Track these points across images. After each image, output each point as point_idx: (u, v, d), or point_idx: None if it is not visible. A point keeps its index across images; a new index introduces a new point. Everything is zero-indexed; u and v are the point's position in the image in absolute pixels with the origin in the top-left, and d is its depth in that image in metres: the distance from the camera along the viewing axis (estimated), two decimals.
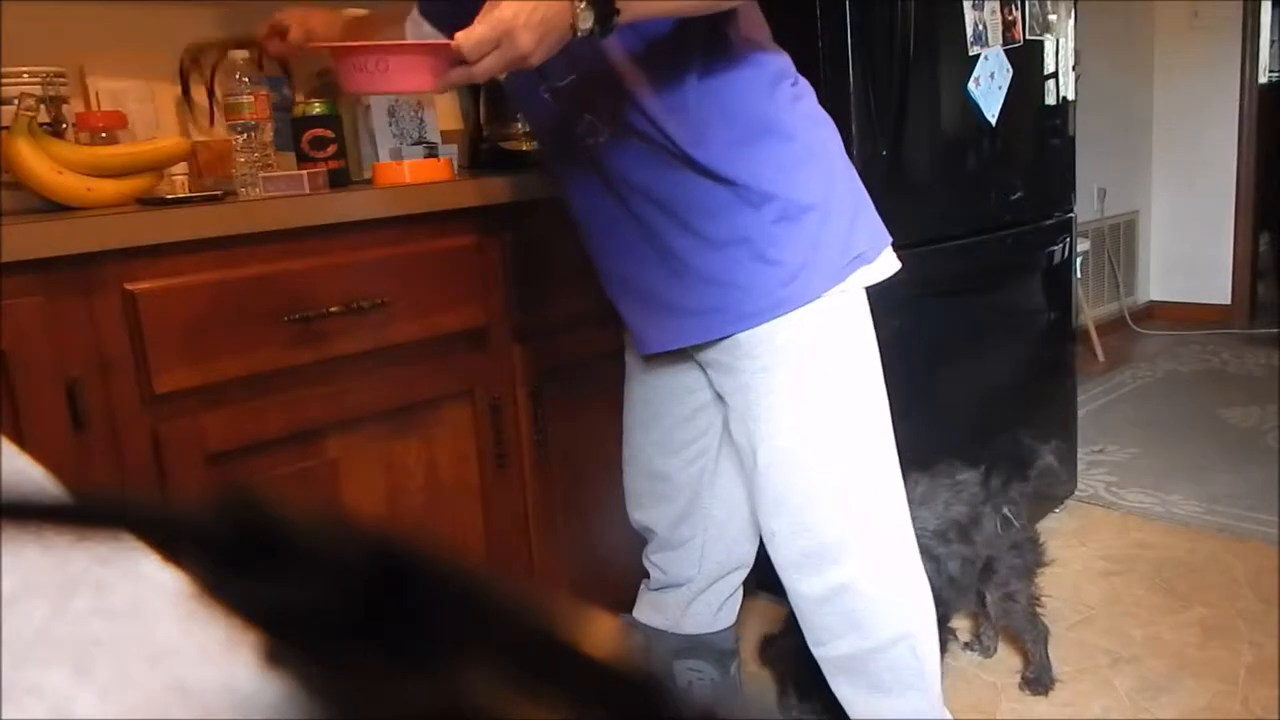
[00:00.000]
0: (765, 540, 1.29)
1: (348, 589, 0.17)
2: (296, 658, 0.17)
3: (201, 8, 1.75)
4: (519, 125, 1.96)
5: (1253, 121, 4.00)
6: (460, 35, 0.93)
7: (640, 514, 1.51)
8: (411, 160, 1.56)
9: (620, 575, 1.78)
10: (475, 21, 0.94)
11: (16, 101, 1.40)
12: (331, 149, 1.60)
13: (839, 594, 1.24)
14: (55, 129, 1.48)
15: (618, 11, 0.97)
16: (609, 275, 1.32)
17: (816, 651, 1.29)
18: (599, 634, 0.17)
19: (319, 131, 1.60)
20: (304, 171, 1.50)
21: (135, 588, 0.28)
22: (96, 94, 1.62)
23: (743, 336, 1.20)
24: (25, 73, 1.47)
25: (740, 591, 1.58)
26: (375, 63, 0.96)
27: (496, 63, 0.95)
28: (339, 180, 1.60)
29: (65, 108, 1.51)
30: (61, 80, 1.51)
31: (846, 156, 1.26)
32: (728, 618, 1.57)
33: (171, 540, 0.19)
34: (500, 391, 1.54)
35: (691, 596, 1.52)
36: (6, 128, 1.39)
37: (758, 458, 1.24)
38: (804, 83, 1.24)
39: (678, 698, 0.16)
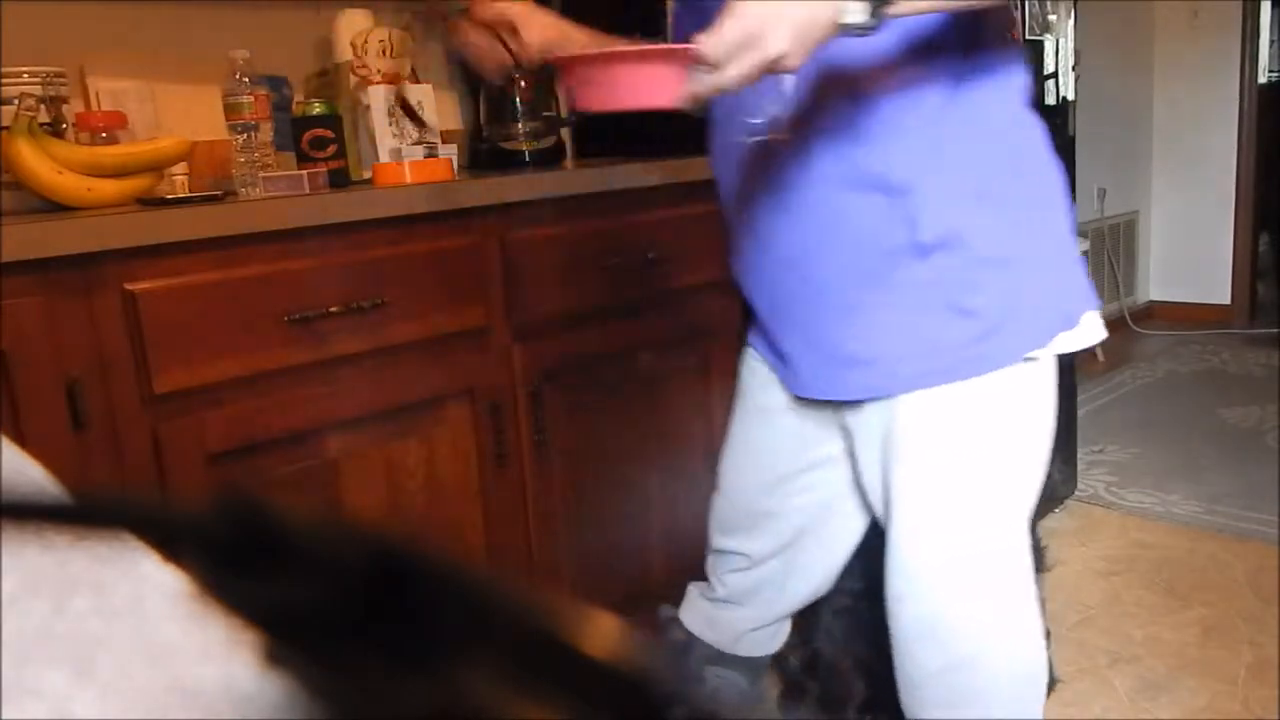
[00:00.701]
0: (888, 600, 1.15)
1: (348, 589, 0.17)
2: (296, 658, 0.17)
3: (202, 8, 1.75)
4: (519, 125, 1.96)
5: (1252, 121, 4.00)
6: (703, 37, 0.81)
7: (727, 540, 1.35)
8: (411, 160, 1.56)
9: (620, 575, 1.78)
10: (719, 20, 0.81)
11: (16, 101, 1.40)
12: (331, 149, 1.61)
13: (959, 669, 1.12)
14: (55, 129, 1.48)
15: (892, 2, 0.82)
16: (766, 299, 1.15)
17: (916, 714, 1.17)
18: (599, 634, 0.17)
19: (319, 131, 1.60)
20: (304, 171, 1.50)
21: (135, 588, 0.28)
22: (96, 94, 1.62)
23: (913, 398, 1.04)
24: (25, 73, 1.47)
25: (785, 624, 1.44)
26: (602, 74, 0.85)
27: (744, 71, 0.82)
28: (339, 180, 1.60)
29: (65, 108, 1.51)
30: (61, 80, 1.51)
31: (1067, 194, 1.10)
32: (778, 644, 1.44)
33: (171, 540, 0.19)
34: (500, 391, 1.54)
35: (755, 625, 1.38)
36: (6, 128, 1.39)
37: (895, 523, 1.10)
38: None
39: (677, 698, 0.16)
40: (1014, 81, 1.04)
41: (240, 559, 0.18)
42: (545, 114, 2.00)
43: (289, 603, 0.17)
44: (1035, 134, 1.07)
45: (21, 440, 1.13)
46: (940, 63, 0.98)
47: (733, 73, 0.82)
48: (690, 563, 1.94)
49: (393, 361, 1.42)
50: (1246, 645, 1.79)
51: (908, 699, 1.18)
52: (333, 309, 1.33)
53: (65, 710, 0.23)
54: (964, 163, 1.00)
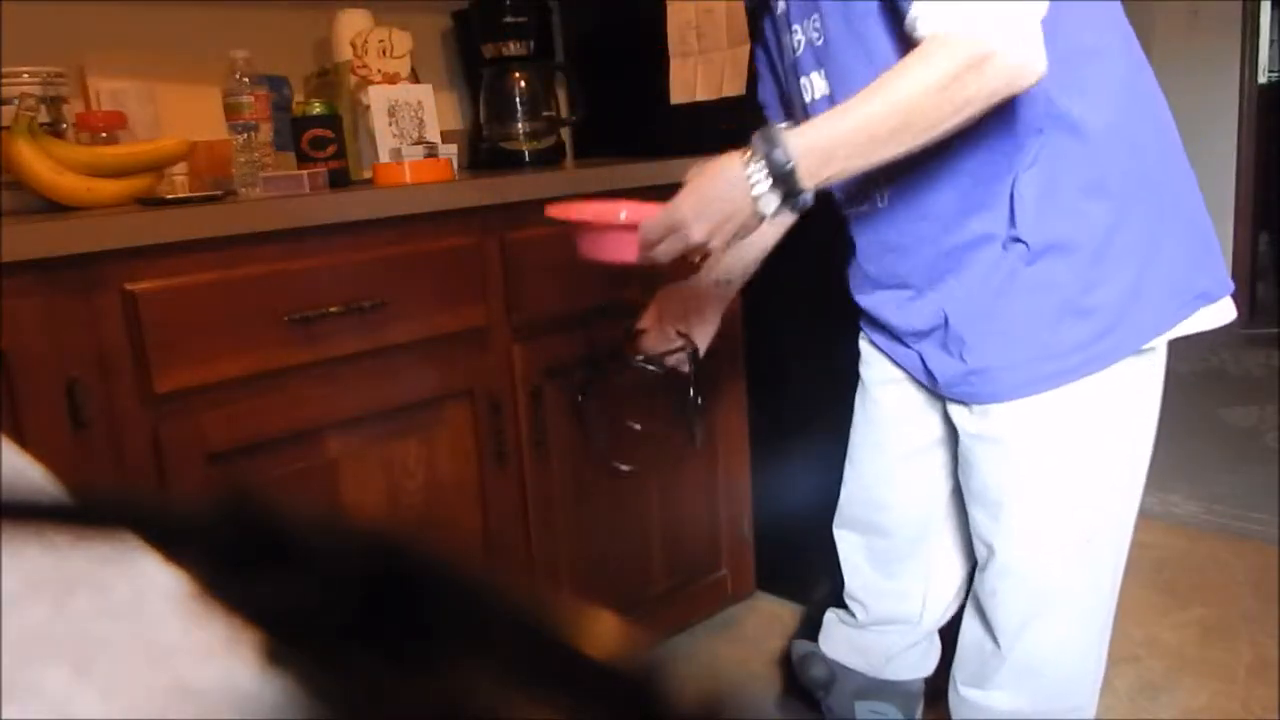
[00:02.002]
0: (983, 595, 1.18)
1: (348, 589, 0.17)
2: (297, 658, 0.17)
3: (202, 8, 1.75)
4: (519, 125, 1.96)
5: (1252, 121, 4.00)
6: (644, 219, 0.97)
7: (851, 539, 1.36)
8: (411, 160, 1.56)
9: (620, 574, 1.78)
10: (662, 207, 0.96)
11: (16, 101, 1.41)
12: (331, 149, 1.61)
13: (1044, 662, 1.16)
14: (55, 129, 1.48)
15: (803, 191, 0.92)
16: (900, 322, 1.17)
17: (984, 701, 1.20)
18: (599, 634, 0.17)
19: (319, 131, 1.60)
20: (304, 171, 1.50)
21: (135, 587, 0.28)
22: (96, 94, 1.62)
23: (1030, 400, 1.05)
24: (25, 73, 1.47)
25: (937, 643, 1.43)
26: (586, 236, 1.07)
27: (672, 250, 0.97)
28: (339, 180, 1.60)
29: (65, 108, 1.51)
30: (61, 80, 1.51)
31: (1186, 161, 1.09)
32: (931, 665, 1.42)
33: (172, 540, 0.19)
34: (500, 391, 1.54)
35: (906, 645, 1.37)
36: (6, 128, 1.39)
37: (1006, 522, 1.12)
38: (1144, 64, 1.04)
39: (677, 697, 0.16)
40: (1119, 59, 1.00)
41: (240, 559, 0.18)
42: (545, 114, 2.00)
43: (289, 603, 0.17)
44: (1149, 108, 1.05)
45: (21, 440, 1.13)
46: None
47: (662, 250, 0.97)
48: (690, 562, 1.94)
49: (393, 361, 1.42)
50: (1246, 645, 1.79)
51: (981, 684, 1.20)
52: (333, 309, 1.33)
53: (65, 710, 0.23)
54: (1062, 161, 0.99)
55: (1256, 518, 2.29)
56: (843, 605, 1.42)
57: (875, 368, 1.28)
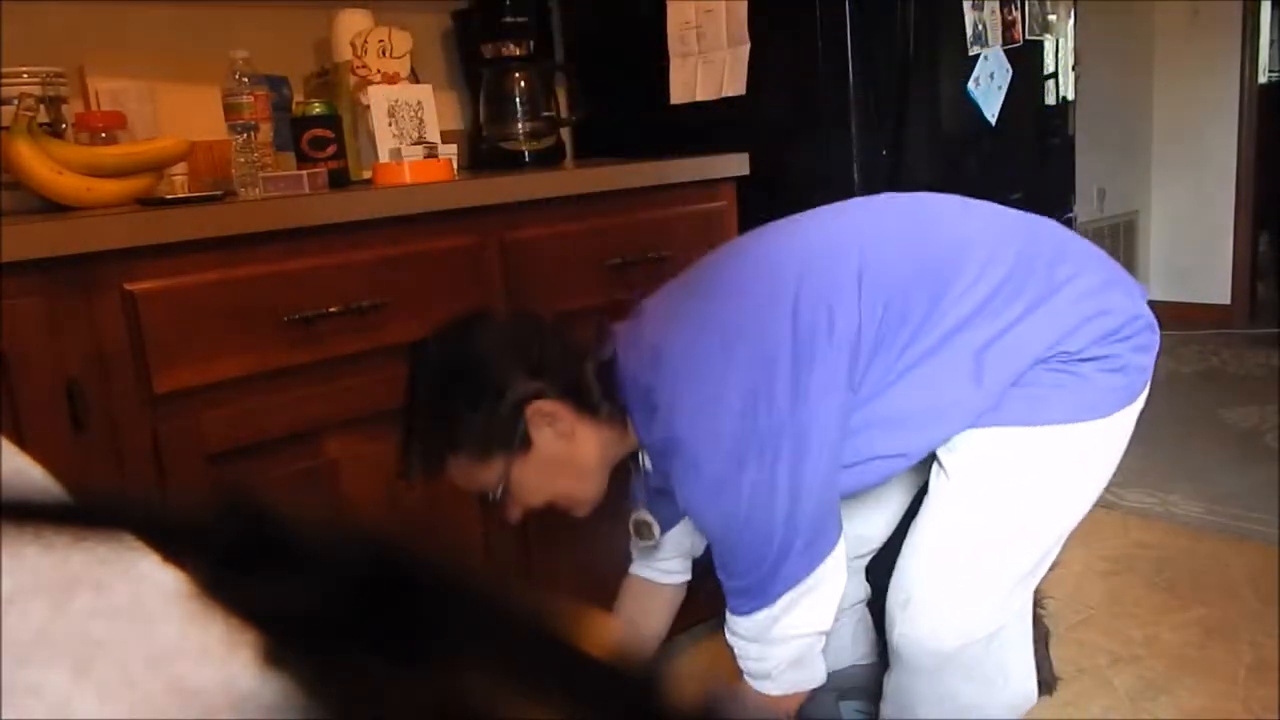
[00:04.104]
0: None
1: (347, 589, 0.17)
2: (296, 658, 0.17)
3: (201, 8, 1.75)
4: (519, 125, 1.96)
5: (1252, 121, 4.00)
6: None
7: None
8: (411, 160, 1.56)
9: (619, 575, 1.77)
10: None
11: (16, 101, 1.40)
12: (331, 149, 1.61)
13: (953, 676, 1.20)
14: (55, 129, 1.48)
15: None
16: None
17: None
18: (598, 634, 0.17)
19: (319, 131, 1.60)
20: (304, 171, 1.50)
21: (135, 588, 0.28)
22: (96, 94, 1.62)
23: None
24: (25, 73, 1.47)
25: (868, 620, 1.55)
26: None
27: None
28: (339, 180, 1.60)
29: (65, 108, 1.51)
30: (61, 80, 1.51)
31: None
32: (864, 650, 1.55)
33: (171, 540, 0.19)
34: None
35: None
36: (6, 128, 1.39)
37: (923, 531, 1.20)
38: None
39: (676, 697, 0.16)
40: None
41: (240, 559, 0.18)
42: (545, 114, 2.00)
43: (288, 603, 0.17)
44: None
45: (21, 440, 1.13)
46: None
47: None
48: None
49: (393, 361, 1.42)
50: (1246, 645, 1.79)
51: (892, 700, 1.26)
52: (332, 309, 1.33)
53: (65, 710, 0.23)
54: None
55: (1256, 518, 2.29)
56: None
57: None
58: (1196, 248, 4.17)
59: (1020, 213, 1.21)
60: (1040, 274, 1.09)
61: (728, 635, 1.19)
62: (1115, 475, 1.22)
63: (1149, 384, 1.16)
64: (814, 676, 1.18)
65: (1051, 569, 1.72)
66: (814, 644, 1.16)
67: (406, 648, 0.17)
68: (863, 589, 1.51)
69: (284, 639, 0.17)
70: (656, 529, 1.34)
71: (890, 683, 1.26)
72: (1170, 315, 4.18)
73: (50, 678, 0.24)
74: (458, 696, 0.16)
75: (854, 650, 1.54)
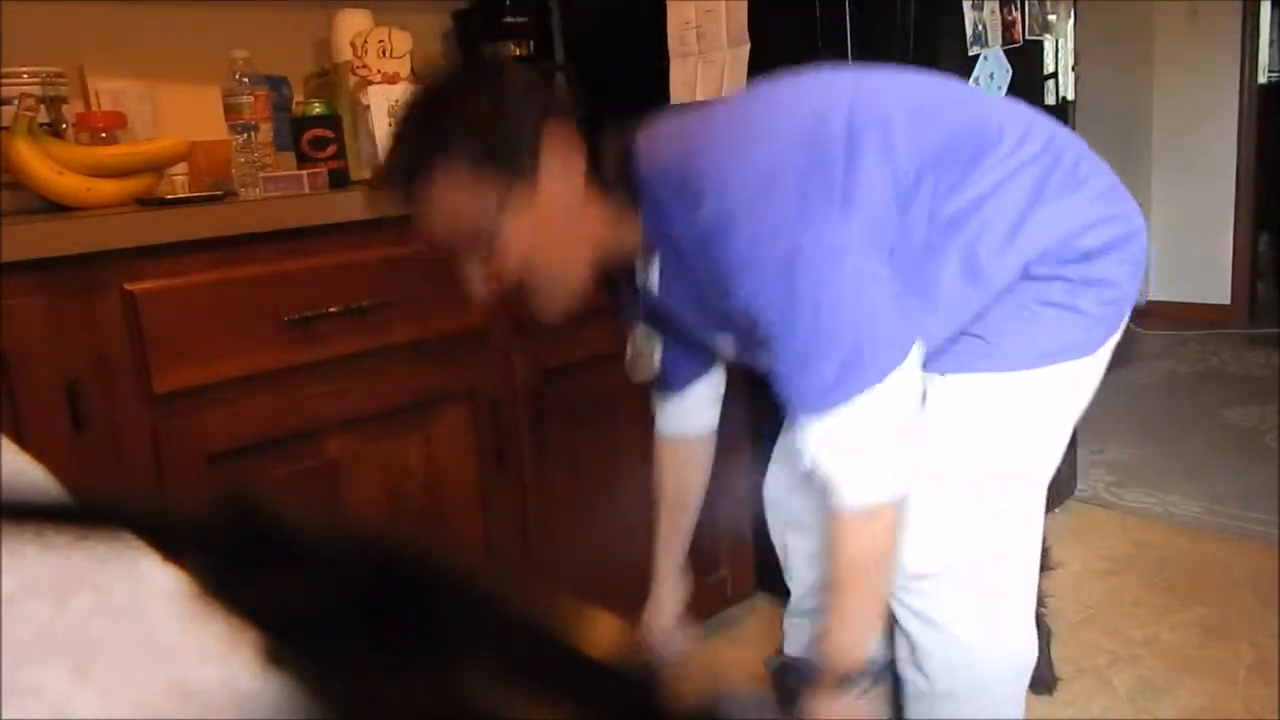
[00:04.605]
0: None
1: (347, 589, 0.17)
2: (296, 658, 0.17)
3: (201, 8, 1.75)
4: None
5: (1252, 121, 4.00)
6: None
7: (776, 532, 1.48)
8: None
9: (619, 575, 1.77)
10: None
11: (16, 101, 1.40)
12: (331, 149, 1.60)
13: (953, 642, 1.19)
14: (55, 129, 1.48)
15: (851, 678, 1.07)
16: None
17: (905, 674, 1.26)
18: (599, 634, 0.17)
19: (319, 131, 1.60)
20: (304, 171, 1.50)
21: (135, 588, 0.28)
22: (96, 94, 1.62)
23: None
24: (25, 73, 1.47)
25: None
26: None
27: None
28: (339, 180, 1.60)
29: (65, 108, 1.51)
30: (61, 80, 1.51)
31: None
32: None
33: (171, 540, 0.19)
34: (500, 391, 1.54)
35: (796, 619, 1.49)
36: (6, 128, 1.39)
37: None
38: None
39: (677, 697, 0.16)
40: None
41: (240, 559, 0.18)
42: None
43: (289, 603, 0.17)
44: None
45: (21, 440, 1.13)
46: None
47: None
48: (690, 562, 1.93)
49: (393, 362, 1.42)
50: (1246, 645, 1.79)
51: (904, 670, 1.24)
52: (333, 309, 1.33)
53: (65, 710, 0.23)
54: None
55: (1256, 518, 2.29)
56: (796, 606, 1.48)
57: None
58: (1196, 248, 4.17)
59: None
60: (1066, 165, 1.06)
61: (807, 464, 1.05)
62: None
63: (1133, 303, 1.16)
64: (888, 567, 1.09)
65: (1052, 569, 1.73)
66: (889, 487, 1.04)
67: (407, 647, 0.17)
68: None
69: (284, 639, 0.17)
70: (656, 353, 1.29)
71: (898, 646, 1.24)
72: (1170, 315, 4.18)
73: (50, 677, 0.24)
74: (458, 696, 0.16)
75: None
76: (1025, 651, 1.22)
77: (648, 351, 1.28)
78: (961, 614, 1.18)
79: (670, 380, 1.34)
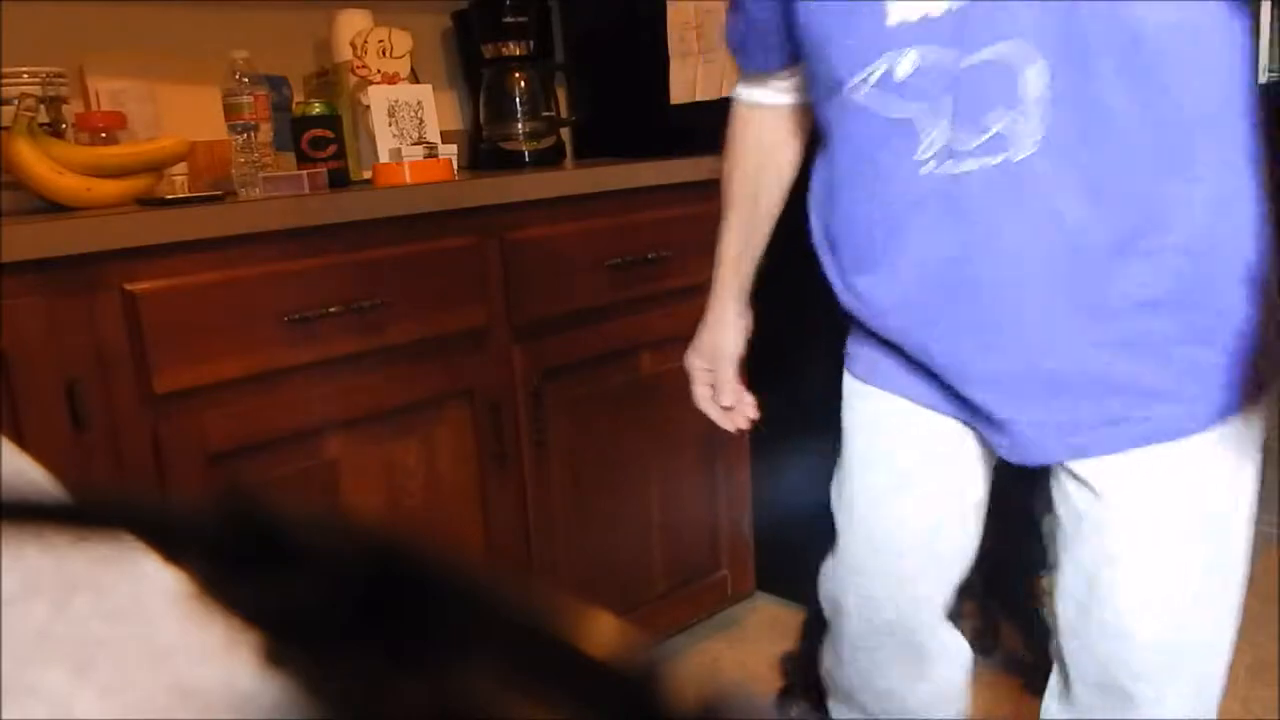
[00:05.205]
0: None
1: (348, 589, 0.17)
2: (296, 658, 0.17)
3: (202, 8, 1.75)
4: (519, 125, 1.96)
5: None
6: None
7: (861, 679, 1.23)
8: (411, 160, 1.56)
9: (619, 575, 1.78)
10: None
11: (16, 101, 1.40)
12: (331, 149, 1.61)
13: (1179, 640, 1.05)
14: (55, 129, 1.48)
15: None
16: (979, 362, 0.93)
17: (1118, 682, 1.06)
18: (599, 634, 0.17)
19: (319, 131, 1.60)
20: (304, 171, 1.50)
21: (135, 588, 0.28)
22: (96, 94, 1.62)
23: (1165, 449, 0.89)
24: (25, 73, 1.47)
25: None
26: None
27: None
28: (339, 180, 1.60)
29: (65, 108, 1.51)
30: (61, 80, 1.51)
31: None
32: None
33: (171, 540, 0.19)
34: (500, 391, 1.54)
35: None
36: (6, 128, 1.39)
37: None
38: None
39: (677, 697, 0.16)
40: None
41: (240, 559, 0.18)
42: (545, 114, 2.00)
43: (289, 603, 0.17)
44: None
45: (21, 440, 1.13)
46: None
47: None
48: (690, 562, 1.94)
49: (393, 361, 1.42)
50: (1246, 645, 1.79)
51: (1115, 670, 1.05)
52: (333, 309, 1.33)
53: (65, 710, 0.23)
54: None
55: (1257, 517, 2.29)
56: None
57: (899, 429, 1.07)
58: None
59: None
60: None
61: None
62: None
63: None
64: None
65: (1053, 569, 1.72)
66: None
67: (407, 647, 0.17)
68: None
69: (284, 639, 0.17)
70: None
71: None
72: None
73: (50, 678, 0.24)
74: (458, 696, 0.16)
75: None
76: None
77: None
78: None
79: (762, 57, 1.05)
